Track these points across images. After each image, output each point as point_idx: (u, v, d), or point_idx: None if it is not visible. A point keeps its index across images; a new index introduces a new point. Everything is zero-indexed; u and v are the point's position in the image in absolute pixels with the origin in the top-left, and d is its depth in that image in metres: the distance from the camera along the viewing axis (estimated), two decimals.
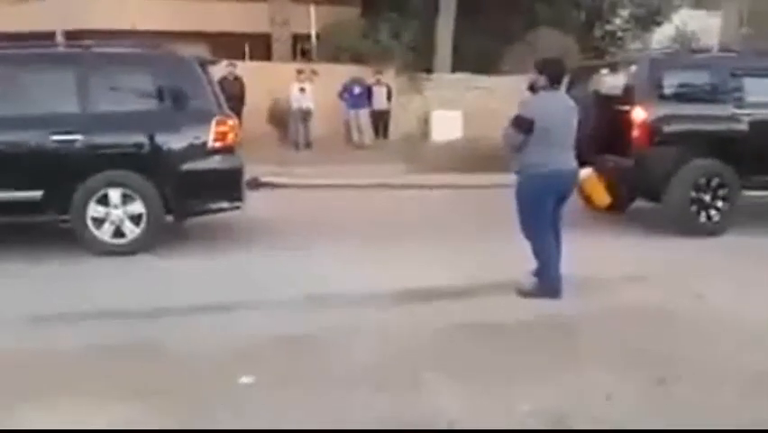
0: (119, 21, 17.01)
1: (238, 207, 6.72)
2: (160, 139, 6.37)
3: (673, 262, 6.18)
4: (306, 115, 14.42)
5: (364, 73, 15.04)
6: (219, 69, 10.96)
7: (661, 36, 17.99)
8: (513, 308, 4.89)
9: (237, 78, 13.58)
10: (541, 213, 5.05)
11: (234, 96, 12.93)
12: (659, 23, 18.48)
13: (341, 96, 14.80)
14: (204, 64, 6.84)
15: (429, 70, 16.26)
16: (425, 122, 15.37)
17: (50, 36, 15.02)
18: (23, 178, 6.16)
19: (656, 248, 6.72)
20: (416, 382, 3.69)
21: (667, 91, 7.24)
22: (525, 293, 5.08)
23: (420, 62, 16.07)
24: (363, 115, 14.91)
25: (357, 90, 14.80)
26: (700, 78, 7.42)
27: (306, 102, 14.35)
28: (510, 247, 5.59)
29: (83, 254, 6.17)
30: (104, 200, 6.22)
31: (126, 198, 6.24)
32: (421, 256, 6.24)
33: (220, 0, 19.03)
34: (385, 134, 15.12)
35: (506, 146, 5.15)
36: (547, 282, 5.08)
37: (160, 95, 6.47)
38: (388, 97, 14.99)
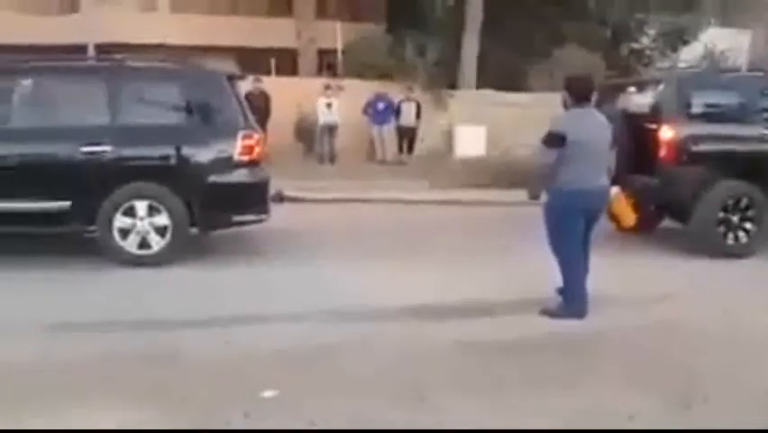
0: (149, 35, 17.31)
1: (262, 220, 6.76)
2: (187, 152, 6.44)
3: (699, 282, 6.10)
4: (331, 130, 14.52)
5: (389, 89, 15.10)
6: (246, 84, 11.09)
7: (689, 55, 17.83)
8: (535, 326, 4.85)
9: (263, 93, 13.74)
10: (570, 230, 5.00)
11: (260, 110, 13.08)
12: (686, 42, 18.34)
13: (365, 111, 14.87)
14: (232, 79, 6.91)
15: (453, 86, 16.28)
16: (449, 138, 15.38)
17: (81, 49, 15.32)
18: (53, 188, 6.25)
19: (682, 268, 6.64)
20: (432, 398, 3.67)
21: (695, 110, 7.18)
22: (549, 313, 5.03)
23: (445, 78, 16.10)
24: (387, 130, 14.95)
25: (381, 106, 14.86)
26: (729, 98, 7.35)
27: (333, 117, 14.45)
28: (534, 264, 5.56)
29: (108, 265, 6.23)
30: (130, 211, 6.29)
31: (152, 210, 6.31)
32: (442, 272, 6.23)
33: (248, 16, 19.31)
34: (410, 150, 15.14)
35: (539, 165, 5.11)
36: (573, 302, 5.02)
37: (188, 108, 6.56)
38: (418, 114, 15.01)
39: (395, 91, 15.04)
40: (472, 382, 3.90)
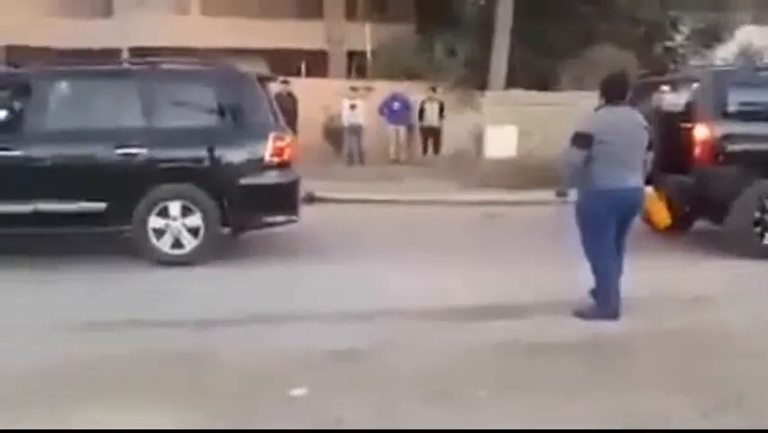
0: (181, 38, 17.50)
1: (293, 221, 6.80)
2: (220, 153, 6.51)
3: (734, 285, 5.98)
4: (356, 131, 14.58)
5: (418, 90, 15.10)
6: (274, 86, 11.18)
7: (723, 52, 17.52)
8: (569, 328, 4.81)
9: (291, 95, 13.85)
10: (601, 231, 4.94)
11: (288, 111, 13.18)
12: (721, 40, 18.03)
13: (380, 111, 14.91)
14: (263, 80, 6.97)
15: (484, 86, 16.20)
16: (479, 138, 15.30)
17: (115, 53, 15.56)
18: (88, 189, 6.36)
19: (717, 270, 6.52)
20: (465, 398, 3.66)
21: (730, 109, 7.04)
22: (582, 314, 4.98)
23: (475, 78, 16.03)
24: (402, 130, 14.99)
25: (396, 106, 14.90)
26: (765, 96, 7.19)
27: (357, 118, 14.51)
28: (567, 266, 5.50)
29: (139, 264, 6.33)
30: (164, 212, 6.38)
31: (185, 211, 6.39)
32: (474, 273, 6.19)
33: (278, 18, 19.44)
34: (436, 151, 15.13)
35: (566, 165, 5.04)
36: (605, 303, 4.96)
37: (220, 110, 6.63)
38: (441, 114, 14.99)
39: (424, 92, 15.04)
40: (504, 383, 3.89)
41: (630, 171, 4.90)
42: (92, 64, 7.17)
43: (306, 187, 7.63)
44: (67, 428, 3.30)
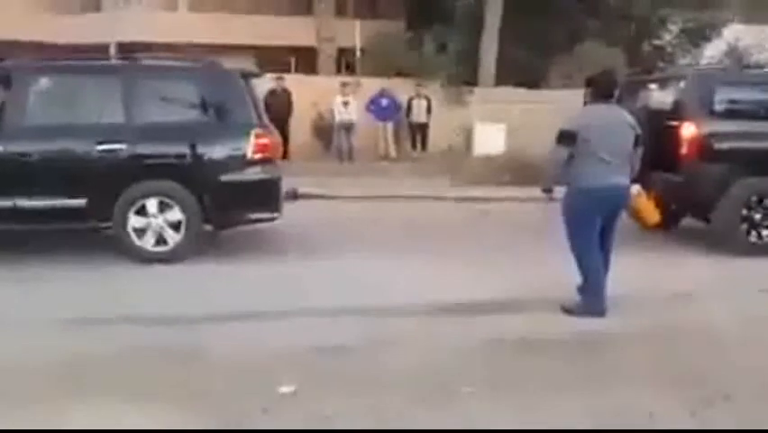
0: (170, 34, 17.39)
1: (275, 219, 6.74)
2: (201, 150, 6.44)
3: (722, 282, 5.98)
4: (348, 128, 14.53)
5: (407, 87, 15.07)
6: (268, 82, 11.11)
7: (712, 51, 17.56)
8: (556, 325, 4.79)
9: (285, 91, 13.83)
10: (586, 228, 4.92)
11: (282, 108, 13.17)
12: (709, 38, 18.06)
13: (367, 108, 14.86)
14: (246, 76, 6.89)
15: (473, 83, 16.18)
16: (469, 135, 15.28)
17: (103, 48, 15.44)
18: (69, 186, 6.27)
19: (704, 267, 6.52)
20: (453, 395, 3.63)
21: (717, 107, 7.05)
22: (569, 311, 4.96)
23: (464, 75, 16.00)
24: (390, 126, 14.97)
25: (384, 103, 14.86)
26: (752, 94, 7.23)
27: (349, 115, 14.46)
28: (555, 263, 5.48)
29: (125, 261, 6.26)
30: (144, 209, 6.30)
31: (165, 207, 6.31)
32: (466, 269, 6.18)
33: (267, 14, 19.34)
34: (423, 147, 15.10)
35: (551, 162, 5.03)
36: (592, 300, 4.95)
37: (202, 106, 6.57)
38: (428, 110, 14.98)
39: (411, 88, 15.02)
40: (496, 380, 3.86)
41: (613, 169, 4.88)
42: (75, 59, 7.08)
43: (295, 183, 7.57)
44: (50, 428, 3.24)
